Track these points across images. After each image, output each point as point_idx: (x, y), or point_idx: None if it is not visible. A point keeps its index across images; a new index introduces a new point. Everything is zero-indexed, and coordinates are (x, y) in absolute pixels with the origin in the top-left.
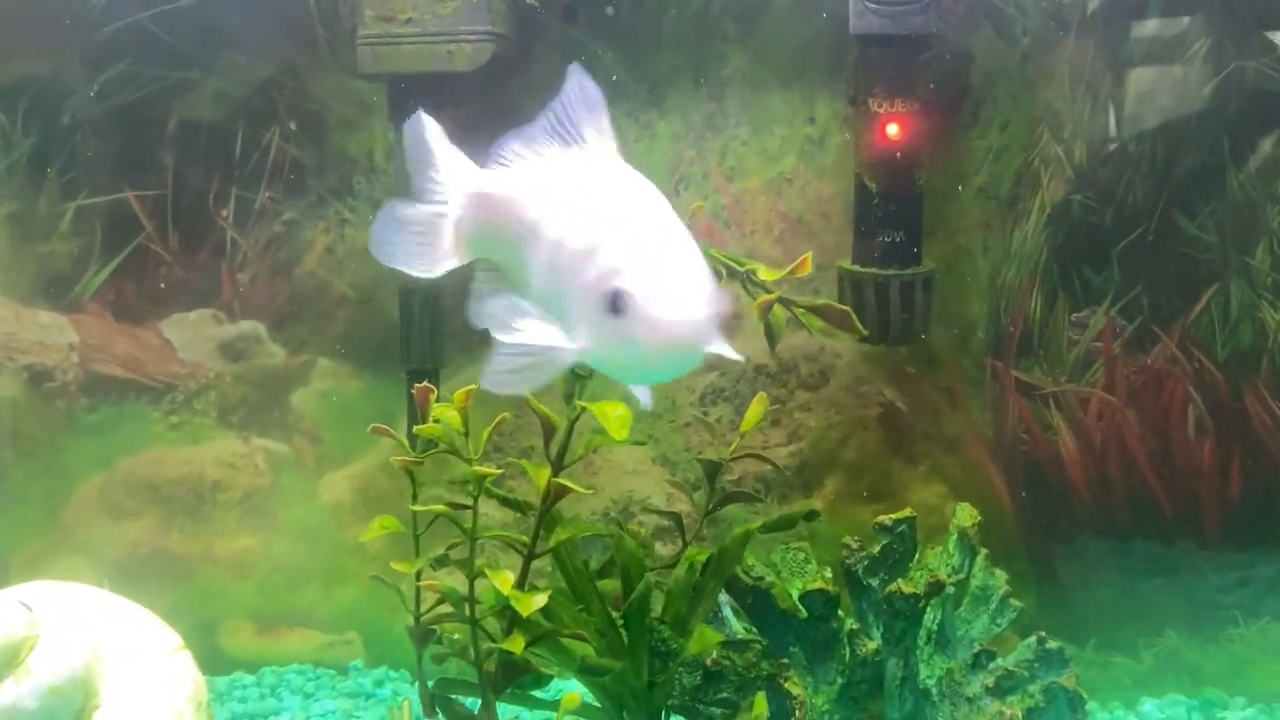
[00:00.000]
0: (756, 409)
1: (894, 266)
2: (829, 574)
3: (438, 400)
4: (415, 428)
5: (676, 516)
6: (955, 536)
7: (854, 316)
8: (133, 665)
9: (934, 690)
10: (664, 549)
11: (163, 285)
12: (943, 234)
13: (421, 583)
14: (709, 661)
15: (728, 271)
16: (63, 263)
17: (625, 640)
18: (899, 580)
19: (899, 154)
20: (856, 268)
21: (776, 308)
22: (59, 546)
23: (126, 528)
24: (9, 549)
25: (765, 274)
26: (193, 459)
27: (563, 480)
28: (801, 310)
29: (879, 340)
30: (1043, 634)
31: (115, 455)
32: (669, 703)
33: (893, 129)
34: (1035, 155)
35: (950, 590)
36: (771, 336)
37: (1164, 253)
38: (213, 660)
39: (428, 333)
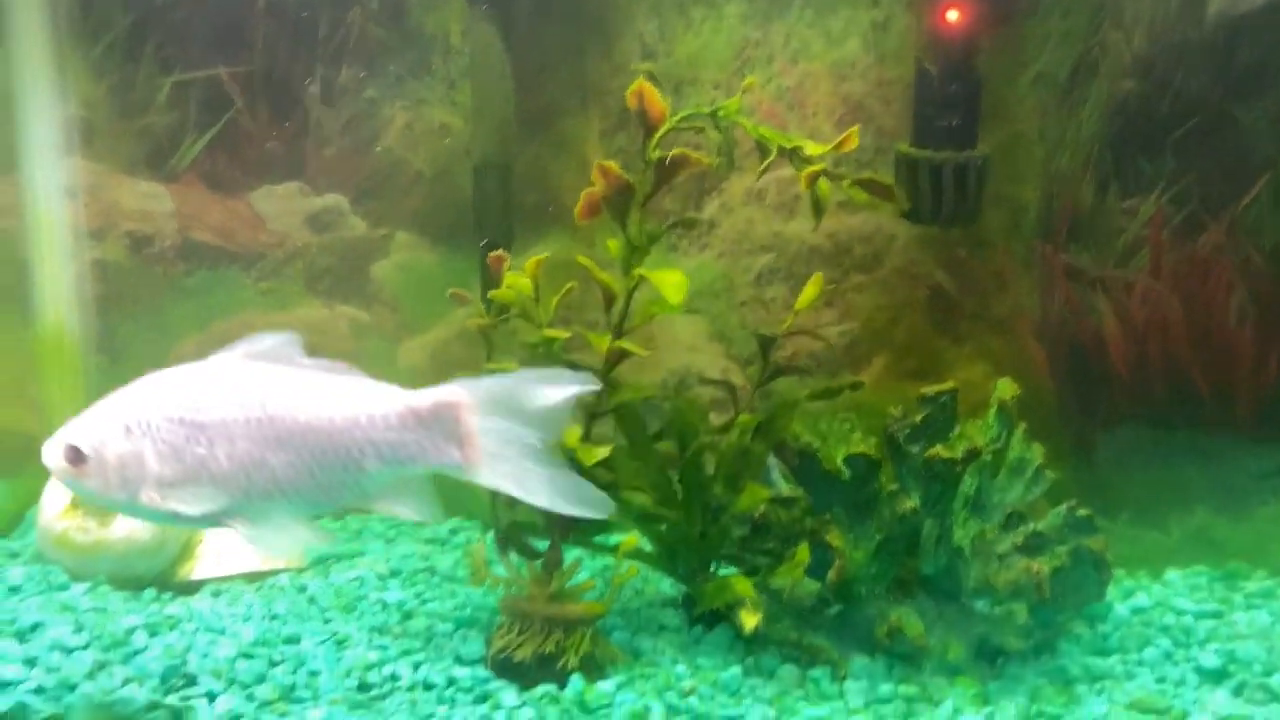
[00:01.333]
0: (812, 288)
1: (949, 149)
2: (873, 442)
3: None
4: (490, 292)
5: (731, 386)
6: (995, 409)
7: (896, 190)
8: None
9: (966, 549)
10: (718, 419)
11: (253, 157)
12: (999, 119)
13: None
14: (756, 515)
15: (777, 149)
16: (160, 135)
17: (680, 494)
18: (938, 445)
19: (959, 38)
20: (913, 150)
21: (822, 181)
22: None
23: None
24: None
25: (812, 149)
26: (281, 323)
27: (623, 343)
28: (848, 184)
29: (932, 222)
30: (1073, 502)
31: (210, 318)
32: (719, 552)
33: (953, 13)
34: (1095, 43)
35: (987, 458)
36: (818, 208)
37: (1218, 142)
38: None
39: (500, 209)
